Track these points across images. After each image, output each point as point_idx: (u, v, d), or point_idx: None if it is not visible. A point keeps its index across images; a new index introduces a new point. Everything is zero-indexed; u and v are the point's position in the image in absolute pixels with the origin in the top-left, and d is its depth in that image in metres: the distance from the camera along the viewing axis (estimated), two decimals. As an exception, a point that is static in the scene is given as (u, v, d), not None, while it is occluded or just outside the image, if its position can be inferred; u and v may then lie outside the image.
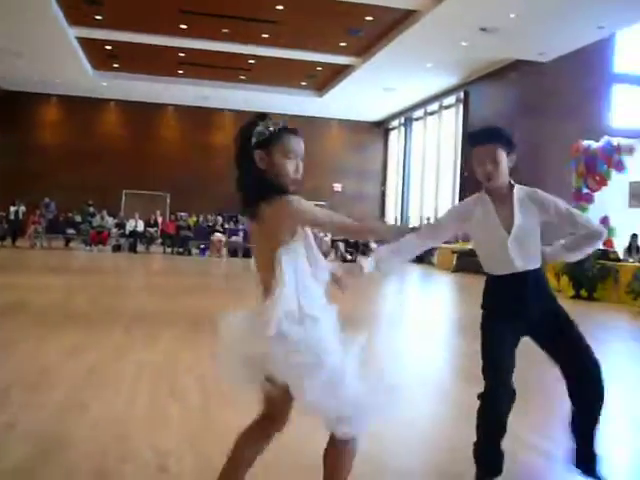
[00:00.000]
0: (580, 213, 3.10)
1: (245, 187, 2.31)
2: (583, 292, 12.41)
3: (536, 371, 5.78)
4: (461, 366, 6.25)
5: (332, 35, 17.36)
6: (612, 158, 14.68)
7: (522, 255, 2.86)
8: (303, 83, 22.73)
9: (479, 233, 2.98)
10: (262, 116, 2.34)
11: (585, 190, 15.64)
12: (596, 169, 15.19)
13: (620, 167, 14.56)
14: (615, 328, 9.47)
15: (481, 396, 2.93)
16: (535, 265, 2.92)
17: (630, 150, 14.37)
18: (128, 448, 3.24)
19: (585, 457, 2.99)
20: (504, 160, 2.87)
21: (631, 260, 12.74)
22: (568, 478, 3.24)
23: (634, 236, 13.50)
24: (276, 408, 2.32)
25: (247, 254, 20.71)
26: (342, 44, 18.07)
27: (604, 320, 10.00)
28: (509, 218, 2.87)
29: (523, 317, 2.93)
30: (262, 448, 2.39)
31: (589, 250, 3.06)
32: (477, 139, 2.93)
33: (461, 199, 20.54)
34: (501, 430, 2.93)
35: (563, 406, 4.61)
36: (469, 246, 18.22)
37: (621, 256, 13.16)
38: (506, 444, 3.64)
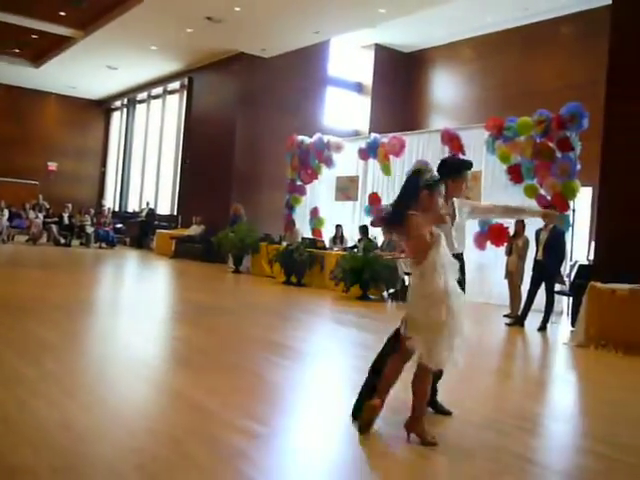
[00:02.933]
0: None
1: (401, 214, 3.73)
2: (293, 278, 13.24)
3: (237, 352, 6.08)
4: (171, 350, 6.32)
5: (51, 1, 16.21)
6: (323, 154, 15.84)
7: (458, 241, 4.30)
8: (17, 51, 20.89)
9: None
10: (422, 168, 3.81)
11: (299, 182, 16.67)
12: (309, 163, 16.27)
13: (329, 162, 15.77)
14: (317, 313, 10.26)
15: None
16: (463, 250, 4.38)
17: (338, 147, 15.63)
18: None
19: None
20: None
21: (336, 249, 13.88)
22: (273, 456, 3.46)
23: (338, 226, 14.73)
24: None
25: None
26: (62, 13, 16.94)
27: (311, 304, 10.78)
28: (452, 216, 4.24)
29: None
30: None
31: None
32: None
33: (182, 186, 20.61)
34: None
35: (266, 386, 4.92)
36: (187, 232, 18.40)
37: (327, 245, 14.28)
38: (208, 427, 3.79)
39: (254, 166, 18.15)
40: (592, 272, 9.43)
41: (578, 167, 10.66)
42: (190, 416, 3.93)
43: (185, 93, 21.18)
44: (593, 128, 10.46)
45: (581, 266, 10.85)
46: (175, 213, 20.99)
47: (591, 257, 11.37)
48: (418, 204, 3.71)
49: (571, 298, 9.68)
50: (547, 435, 4.32)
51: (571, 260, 11.23)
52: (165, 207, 22.04)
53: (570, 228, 10.74)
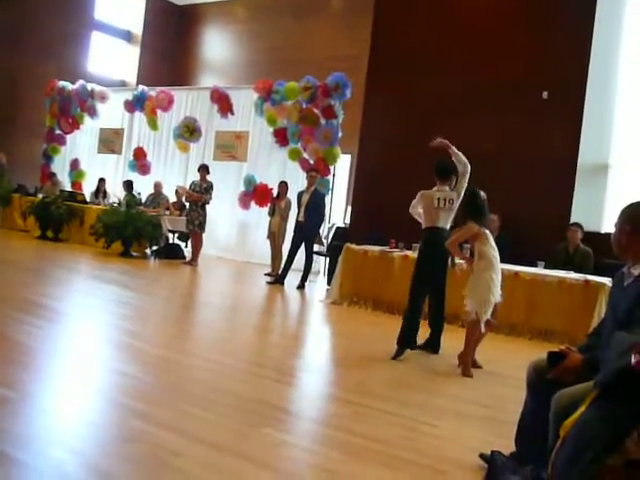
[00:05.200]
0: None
1: None
2: (49, 233, 12.45)
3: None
4: None
5: None
6: (86, 103, 14.95)
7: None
8: None
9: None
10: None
11: (58, 131, 15.61)
12: (70, 112, 15.27)
13: (93, 113, 14.94)
14: (75, 269, 9.79)
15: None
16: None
17: (103, 97, 14.84)
18: None
19: None
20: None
21: (97, 202, 13.27)
22: (22, 422, 3.22)
23: (101, 180, 14.07)
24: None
25: None
26: None
27: (68, 260, 10.23)
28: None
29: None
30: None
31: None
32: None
33: None
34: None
35: (15, 348, 4.58)
36: None
37: (88, 199, 13.58)
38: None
39: (8, 110, 16.55)
40: (347, 234, 10.09)
41: (340, 134, 11.23)
42: None
43: None
44: (355, 99, 11.07)
45: (338, 228, 11.55)
46: None
47: (347, 220, 12.15)
48: None
49: (328, 258, 10.25)
50: (301, 386, 4.58)
51: (329, 222, 11.88)
52: None
53: (330, 192, 11.32)
